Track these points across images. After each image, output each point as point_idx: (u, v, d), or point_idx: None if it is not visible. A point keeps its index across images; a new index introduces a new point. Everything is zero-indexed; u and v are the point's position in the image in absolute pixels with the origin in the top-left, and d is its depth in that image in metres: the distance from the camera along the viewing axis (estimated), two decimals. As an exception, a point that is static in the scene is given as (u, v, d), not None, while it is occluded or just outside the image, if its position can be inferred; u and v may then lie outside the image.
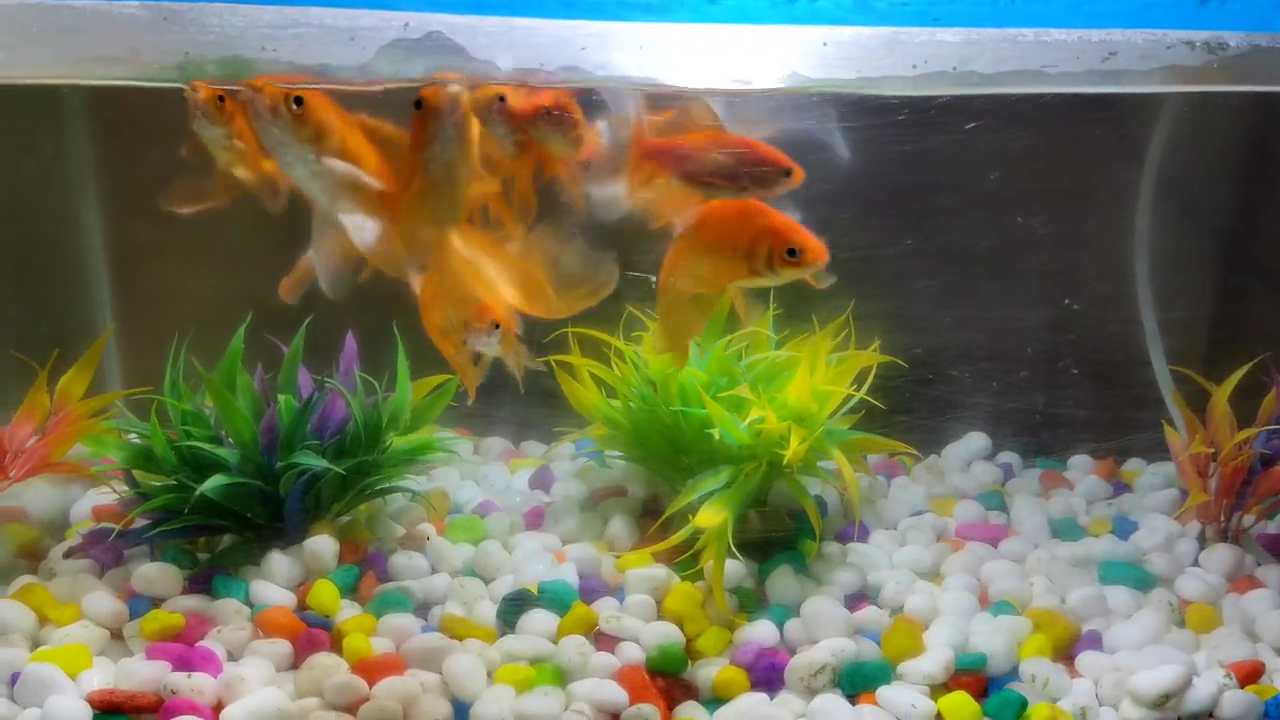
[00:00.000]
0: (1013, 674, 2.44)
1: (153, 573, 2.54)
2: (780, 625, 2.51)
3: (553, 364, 2.81)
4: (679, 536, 2.57)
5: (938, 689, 2.39)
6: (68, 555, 2.64)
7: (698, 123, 2.33)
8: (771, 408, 2.64)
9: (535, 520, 2.91)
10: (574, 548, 2.74)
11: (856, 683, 2.38)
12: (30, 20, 2.13)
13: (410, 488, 2.82)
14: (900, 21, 2.28)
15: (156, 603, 2.50)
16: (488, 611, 2.52)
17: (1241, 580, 2.78)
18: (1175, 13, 2.33)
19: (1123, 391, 3.32)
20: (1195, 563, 2.86)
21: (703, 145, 2.29)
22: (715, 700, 2.38)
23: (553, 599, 2.50)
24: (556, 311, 2.48)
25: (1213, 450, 2.89)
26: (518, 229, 2.47)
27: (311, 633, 2.40)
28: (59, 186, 3.17)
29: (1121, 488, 3.26)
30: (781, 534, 2.76)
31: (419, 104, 2.25)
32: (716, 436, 2.66)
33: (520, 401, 2.88)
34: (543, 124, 2.31)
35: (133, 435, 2.70)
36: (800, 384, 2.69)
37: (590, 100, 2.32)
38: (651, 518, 2.81)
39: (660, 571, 2.57)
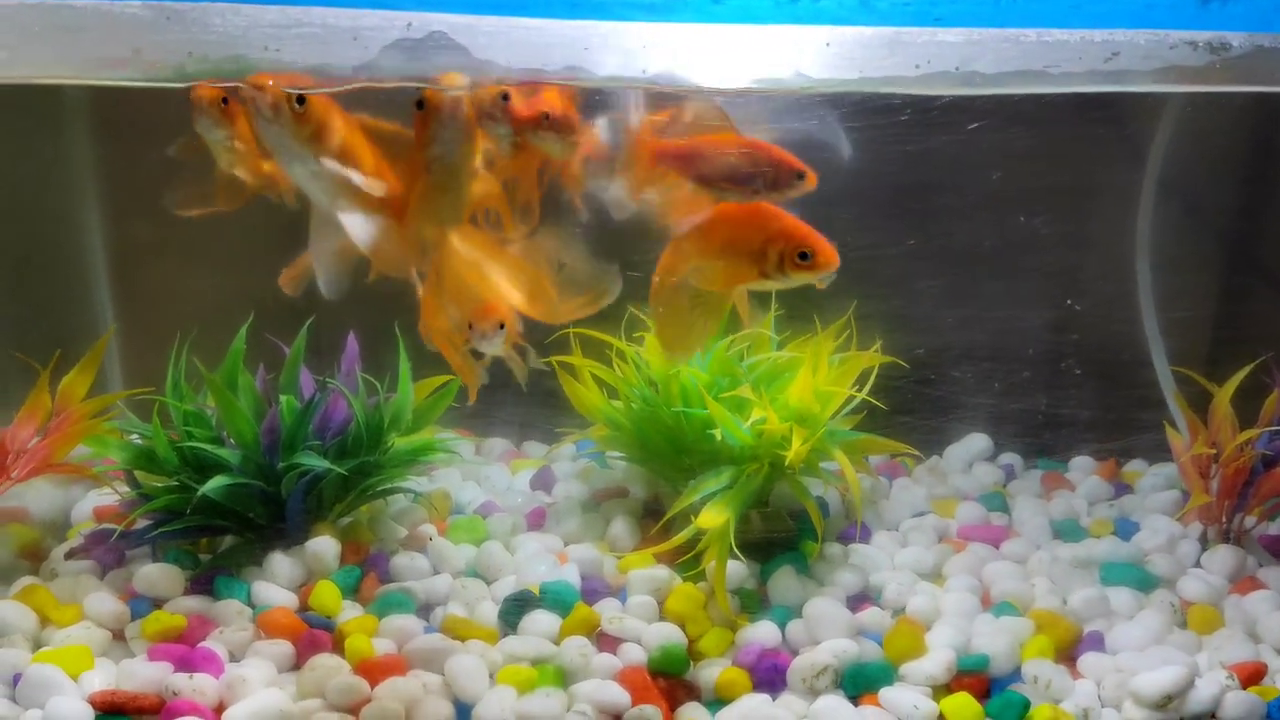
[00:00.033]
0: (1015, 675, 2.44)
1: (154, 573, 2.54)
2: (782, 626, 2.51)
3: (554, 364, 2.81)
4: (681, 537, 2.57)
5: (940, 690, 2.39)
6: (69, 556, 2.64)
7: (709, 124, 2.32)
8: (773, 408, 2.64)
9: (537, 521, 2.91)
10: (576, 549, 2.73)
11: (859, 684, 2.37)
12: (31, 20, 2.13)
13: (412, 488, 2.82)
14: (903, 22, 2.28)
15: (158, 603, 2.50)
16: (490, 612, 2.52)
17: (1243, 581, 2.78)
18: (1178, 13, 2.33)
19: (1125, 392, 3.32)
20: (1197, 564, 2.86)
21: (716, 148, 2.29)
22: (717, 701, 2.38)
23: (555, 600, 2.50)
24: (556, 316, 2.48)
25: (1215, 451, 2.89)
26: (519, 230, 2.46)
27: (313, 634, 2.40)
28: (59, 186, 3.17)
29: (1123, 489, 3.26)
30: (783, 535, 2.76)
31: (420, 104, 2.25)
32: (718, 437, 2.65)
33: (521, 402, 2.88)
34: (543, 129, 2.31)
35: (134, 436, 2.70)
36: (802, 385, 2.69)
37: (594, 100, 2.32)
38: (653, 519, 2.81)
39: (662, 572, 2.57)
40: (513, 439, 3.39)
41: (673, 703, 2.36)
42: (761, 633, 2.48)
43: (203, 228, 2.56)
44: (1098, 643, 2.55)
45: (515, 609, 2.49)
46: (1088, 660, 2.50)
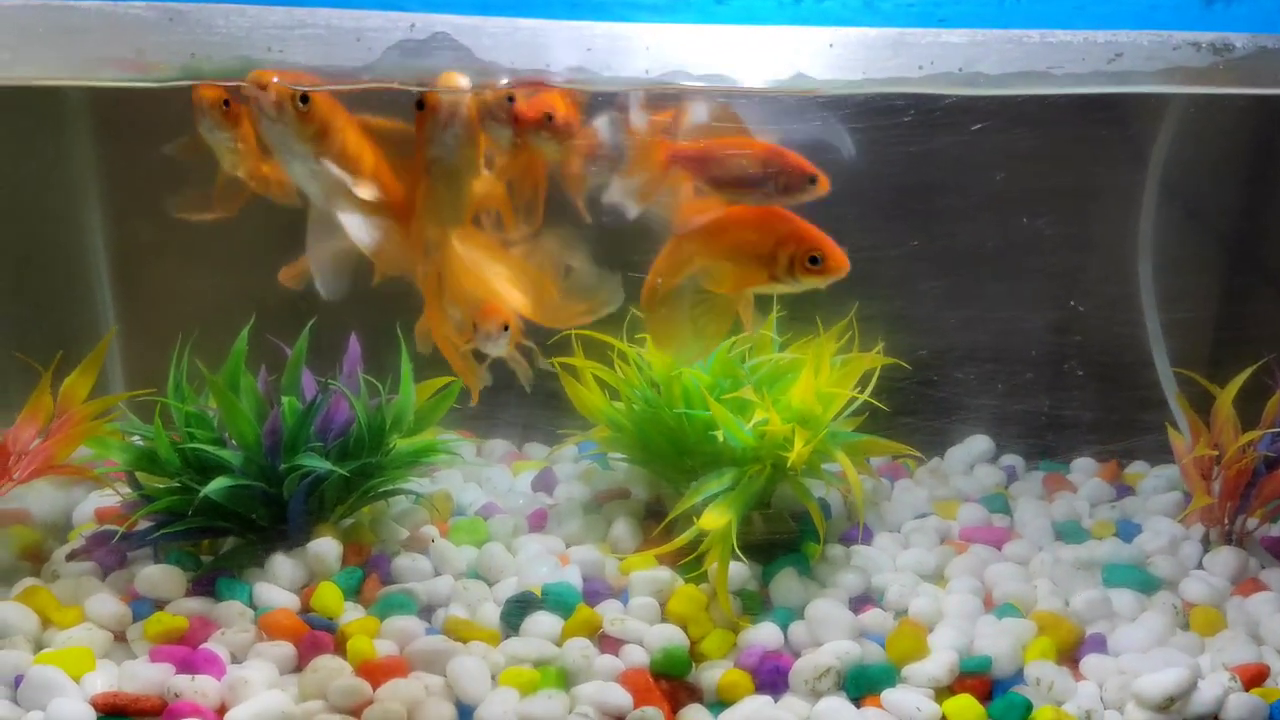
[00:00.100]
0: (1017, 677, 2.44)
1: (156, 575, 2.54)
2: (784, 628, 2.51)
3: (556, 366, 2.81)
4: (683, 539, 2.56)
5: (942, 692, 2.38)
6: (71, 557, 2.64)
7: (721, 127, 2.32)
8: (775, 410, 2.64)
9: (539, 522, 2.90)
10: (578, 550, 2.73)
11: (861, 685, 2.37)
12: (34, 21, 2.13)
13: (414, 490, 2.82)
14: (906, 23, 2.28)
15: (160, 605, 2.50)
16: (491, 614, 2.52)
17: (1246, 583, 2.77)
18: (1181, 14, 2.33)
19: (1127, 394, 3.32)
20: (1199, 566, 2.86)
21: (729, 151, 2.28)
22: (719, 703, 2.37)
23: (556, 601, 2.50)
24: (557, 320, 2.48)
25: (1217, 453, 2.89)
26: (521, 232, 2.46)
27: (315, 635, 2.40)
28: (61, 187, 3.17)
29: (1125, 490, 3.26)
30: (785, 536, 2.76)
31: (420, 104, 2.24)
32: (720, 439, 2.65)
33: (523, 404, 2.88)
34: (545, 133, 2.31)
35: (136, 437, 2.69)
36: (804, 386, 2.69)
37: (599, 102, 2.32)
38: (655, 520, 2.81)
39: (664, 574, 2.57)
40: (514, 440, 3.39)
41: (675, 704, 2.36)
42: (763, 634, 2.48)
43: (204, 228, 2.57)
44: (1100, 644, 2.55)
45: (517, 610, 2.49)
46: (1090, 662, 2.49)
